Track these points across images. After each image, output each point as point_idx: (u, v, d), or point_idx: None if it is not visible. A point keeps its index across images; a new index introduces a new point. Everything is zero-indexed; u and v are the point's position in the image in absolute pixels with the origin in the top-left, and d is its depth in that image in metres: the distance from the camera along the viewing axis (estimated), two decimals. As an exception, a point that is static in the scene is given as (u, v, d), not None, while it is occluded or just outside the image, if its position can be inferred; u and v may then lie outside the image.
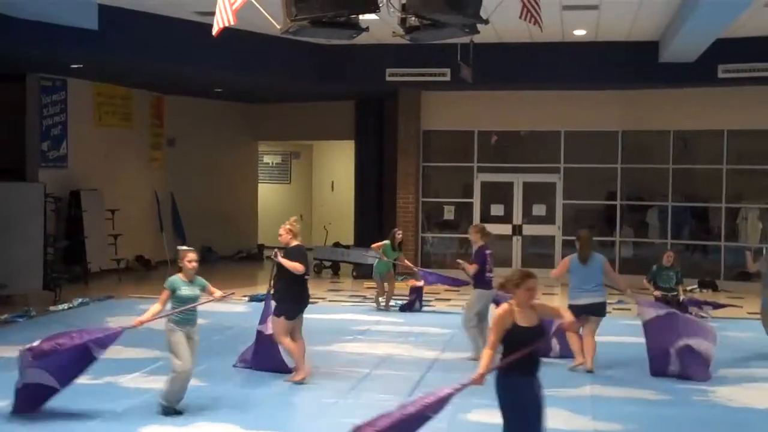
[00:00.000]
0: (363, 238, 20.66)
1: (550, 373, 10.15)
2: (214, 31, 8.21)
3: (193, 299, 8.21)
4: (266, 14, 8.09)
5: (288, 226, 9.63)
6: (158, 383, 9.39)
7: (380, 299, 14.85)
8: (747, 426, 7.98)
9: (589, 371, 10.08)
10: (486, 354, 6.16)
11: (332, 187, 25.64)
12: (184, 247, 8.46)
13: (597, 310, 10.06)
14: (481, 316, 10.82)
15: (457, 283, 14.02)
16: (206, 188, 21.72)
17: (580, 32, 16.31)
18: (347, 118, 22.02)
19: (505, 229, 19.38)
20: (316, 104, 22.07)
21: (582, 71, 17.63)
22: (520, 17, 9.35)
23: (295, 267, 9.32)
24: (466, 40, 10.20)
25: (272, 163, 26.69)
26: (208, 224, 21.55)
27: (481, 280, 10.80)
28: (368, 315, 14.19)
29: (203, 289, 8.33)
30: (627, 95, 18.68)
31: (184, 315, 8.11)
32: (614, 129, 19.06)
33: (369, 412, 8.27)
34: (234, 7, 7.94)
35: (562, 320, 6.78)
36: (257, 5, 7.95)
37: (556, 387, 9.42)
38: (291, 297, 9.50)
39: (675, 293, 12.99)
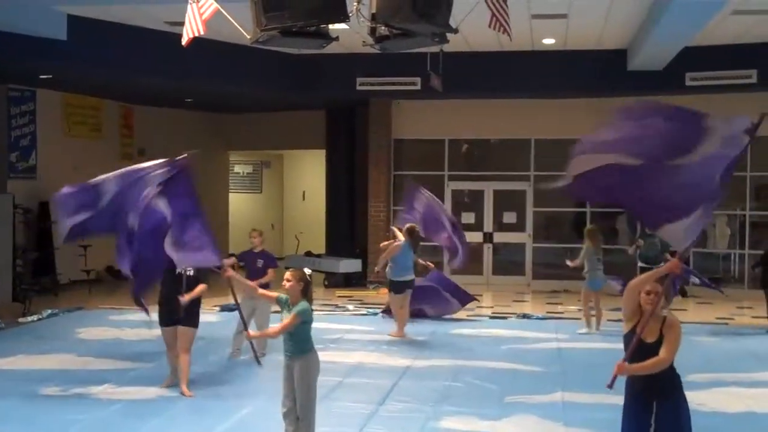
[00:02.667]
0: (334, 247, 20.67)
1: (521, 379, 10.31)
2: (184, 41, 8.21)
3: None
4: (236, 24, 8.09)
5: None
6: (128, 394, 9.36)
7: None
8: (717, 430, 8.04)
9: (401, 337, 12.54)
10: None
11: (303, 196, 25.60)
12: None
13: (413, 285, 12.81)
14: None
15: (466, 299, 14.61)
16: (177, 198, 21.55)
17: (549, 41, 16.42)
18: (318, 127, 21.99)
19: (477, 236, 19.44)
20: (287, 114, 22.04)
21: (551, 79, 17.72)
22: (490, 26, 9.37)
23: (201, 292, 9.59)
24: (435, 49, 10.25)
25: (243, 173, 26.61)
26: (179, 234, 21.41)
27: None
28: (340, 323, 14.14)
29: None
30: (596, 103, 18.71)
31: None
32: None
33: (341, 421, 8.32)
34: (204, 17, 7.95)
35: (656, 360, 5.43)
36: (227, 15, 7.95)
37: (527, 393, 9.48)
38: (196, 307, 9.65)
39: (660, 264, 13.18)
